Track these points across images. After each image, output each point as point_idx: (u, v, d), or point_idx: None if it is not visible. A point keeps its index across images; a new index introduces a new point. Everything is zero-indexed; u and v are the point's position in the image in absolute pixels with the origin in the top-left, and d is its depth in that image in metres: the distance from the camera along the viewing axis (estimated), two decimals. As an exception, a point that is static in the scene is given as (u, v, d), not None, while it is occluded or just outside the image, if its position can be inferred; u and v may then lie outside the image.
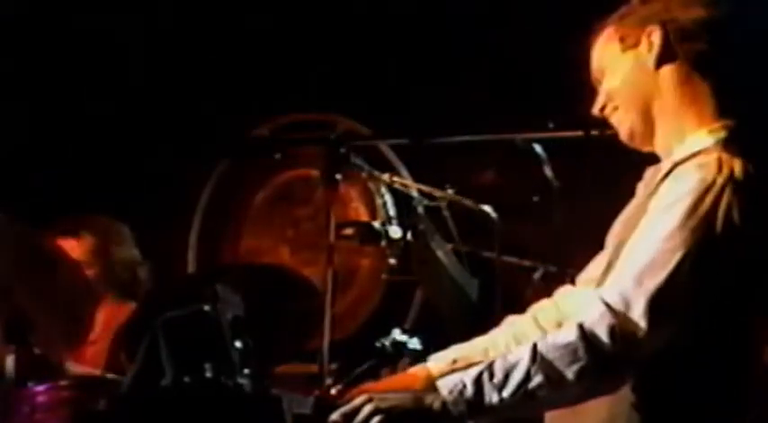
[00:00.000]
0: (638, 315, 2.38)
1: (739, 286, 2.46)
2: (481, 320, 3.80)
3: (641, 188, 2.68)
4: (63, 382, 3.68)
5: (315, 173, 4.80)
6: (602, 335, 2.38)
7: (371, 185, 3.65)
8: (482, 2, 5.31)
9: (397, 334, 3.57)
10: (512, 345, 2.80)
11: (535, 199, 3.82)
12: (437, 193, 3.77)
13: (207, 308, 3.09)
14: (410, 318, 4.27)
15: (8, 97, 5.46)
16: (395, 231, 3.58)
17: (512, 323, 2.91)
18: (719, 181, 2.43)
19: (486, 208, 3.80)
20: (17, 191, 4.94)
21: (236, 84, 5.55)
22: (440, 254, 3.74)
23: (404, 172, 4.55)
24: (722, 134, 2.54)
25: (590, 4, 2.77)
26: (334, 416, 2.51)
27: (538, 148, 3.70)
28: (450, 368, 2.76)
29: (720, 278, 2.43)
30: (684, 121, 2.59)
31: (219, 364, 2.99)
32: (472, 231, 3.86)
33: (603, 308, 2.41)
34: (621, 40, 2.66)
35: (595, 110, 2.71)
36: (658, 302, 2.38)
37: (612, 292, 2.42)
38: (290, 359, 3.77)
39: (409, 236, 3.60)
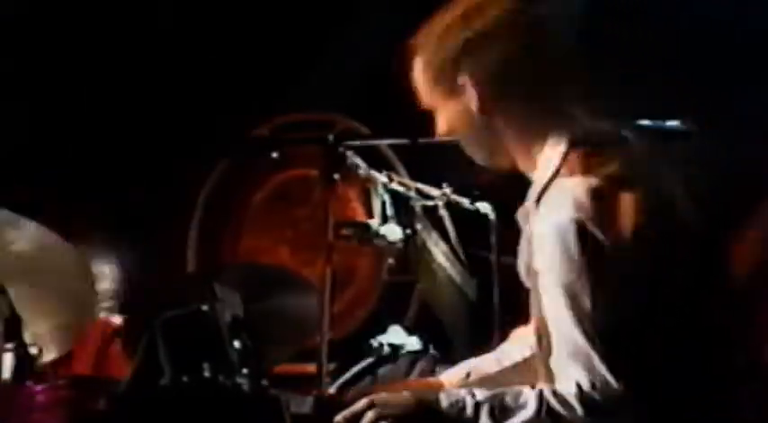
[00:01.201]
0: (608, 375, 2.38)
1: (664, 281, 2.46)
2: (479, 321, 3.80)
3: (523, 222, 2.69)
4: (61, 382, 3.69)
5: (313, 173, 4.81)
6: (594, 400, 2.39)
7: (369, 185, 3.64)
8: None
9: (395, 331, 3.58)
10: (526, 352, 2.82)
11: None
12: (435, 192, 3.77)
13: (205, 308, 3.09)
14: (409, 316, 4.28)
15: (8, 97, 5.47)
16: (393, 231, 3.58)
17: (520, 336, 2.91)
18: (572, 217, 2.41)
19: (484, 207, 3.80)
20: (18, 190, 4.94)
21: (236, 84, 5.56)
22: (438, 254, 3.74)
23: (402, 171, 4.55)
24: (562, 146, 2.55)
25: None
26: (337, 419, 2.51)
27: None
28: (463, 382, 2.78)
29: (642, 286, 2.43)
30: (529, 141, 2.59)
31: (218, 363, 2.99)
32: (470, 231, 3.86)
33: (577, 381, 2.40)
34: (440, 86, 2.62)
35: (440, 133, 2.69)
36: (610, 351, 2.39)
37: (572, 364, 2.42)
38: (289, 359, 3.77)
39: (407, 235, 3.60)
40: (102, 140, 5.60)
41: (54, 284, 3.61)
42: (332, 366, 3.40)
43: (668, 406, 2.44)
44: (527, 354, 2.85)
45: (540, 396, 2.42)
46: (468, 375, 2.81)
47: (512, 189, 3.97)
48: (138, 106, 5.62)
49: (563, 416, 2.40)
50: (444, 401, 2.45)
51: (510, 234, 3.82)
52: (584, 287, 2.40)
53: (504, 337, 3.14)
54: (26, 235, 3.60)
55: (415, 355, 3.59)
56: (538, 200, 2.56)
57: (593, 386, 2.39)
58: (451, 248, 3.81)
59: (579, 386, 2.40)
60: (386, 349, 3.54)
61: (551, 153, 2.56)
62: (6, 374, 3.58)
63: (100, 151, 5.58)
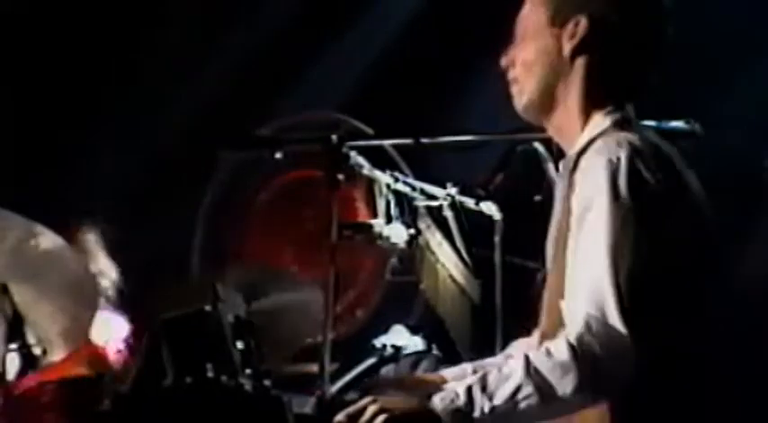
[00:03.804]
0: (616, 320, 2.39)
1: (690, 249, 2.48)
2: (483, 321, 3.80)
3: (558, 184, 2.69)
4: (65, 382, 3.69)
5: (317, 173, 4.80)
6: (590, 348, 2.39)
7: (373, 185, 3.64)
8: (482, 3, 5.32)
9: (398, 331, 3.57)
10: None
11: (537, 198, 3.81)
12: (439, 192, 3.77)
13: (208, 308, 3.10)
14: (412, 317, 4.27)
15: (7, 98, 5.48)
16: (397, 231, 3.58)
17: (522, 342, 2.90)
18: (623, 156, 2.45)
19: (489, 208, 3.80)
20: (19, 194, 4.95)
21: (239, 83, 5.57)
22: (441, 254, 3.74)
23: (406, 171, 4.55)
24: (617, 115, 2.58)
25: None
26: (339, 416, 2.51)
27: (540, 147, 3.70)
28: (464, 375, 2.77)
29: (670, 248, 2.44)
30: (587, 106, 2.62)
31: (221, 364, 3.00)
32: (474, 231, 3.86)
33: (585, 320, 2.41)
34: (552, 17, 2.63)
35: (503, 63, 2.71)
36: (627, 299, 2.39)
37: (584, 302, 2.42)
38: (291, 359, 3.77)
39: (411, 236, 3.60)
40: (104, 141, 5.61)
41: (56, 284, 3.61)
42: (334, 367, 3.40)
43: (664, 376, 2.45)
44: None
45: (527, 359, 2.42)
46: (474, 372, 2.80)
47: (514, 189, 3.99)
48: (139, 107, 5.64)
49: (547, 374, 2.39)
50: (436, 399, 2.44)
51: (513, 234, 3.85)
52: (621, 234, 2.41)
53: (506, 338, 3.13)
54: (21, 232, 3.59)
55: (418, 356, 3.60)
56: (576, 160, 2.55)
57: (599, 327, 2.38)
58: (455, 249, 3.81)
59: (581, 329, 2.40)
60: (388, 350, 3.55)
61: (603, 119, 2.59)
62: (11, 375, 3.59)
63: (101, 152, 5.60)
